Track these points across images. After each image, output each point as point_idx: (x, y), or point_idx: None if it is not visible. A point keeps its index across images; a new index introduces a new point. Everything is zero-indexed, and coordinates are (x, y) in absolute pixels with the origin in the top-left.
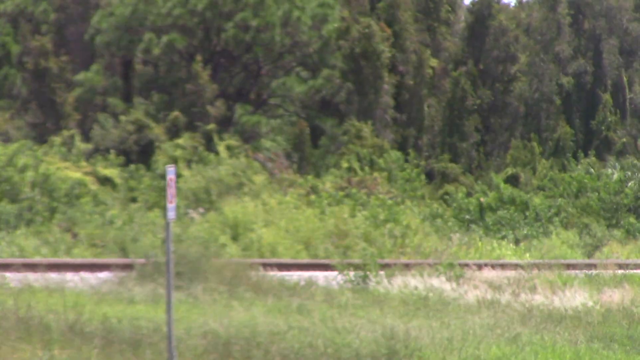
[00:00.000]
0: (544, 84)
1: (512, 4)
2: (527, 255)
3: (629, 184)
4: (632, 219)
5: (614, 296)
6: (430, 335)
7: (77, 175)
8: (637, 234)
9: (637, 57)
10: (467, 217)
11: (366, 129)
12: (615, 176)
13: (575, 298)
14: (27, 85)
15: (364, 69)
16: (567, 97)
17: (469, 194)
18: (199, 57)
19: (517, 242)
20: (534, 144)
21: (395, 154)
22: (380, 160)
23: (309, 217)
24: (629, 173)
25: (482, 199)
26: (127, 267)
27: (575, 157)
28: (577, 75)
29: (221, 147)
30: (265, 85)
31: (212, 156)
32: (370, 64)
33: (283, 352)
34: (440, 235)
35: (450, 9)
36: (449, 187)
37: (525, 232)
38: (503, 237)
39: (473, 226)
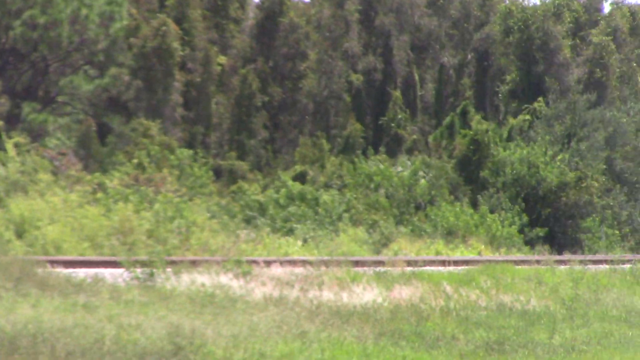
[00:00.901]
0: (333, 81)
1: (305, 0)
2: (316, 252)
3: (421, 180)
4: (419, 216)
5: (403, 293)
6: (216, 332)
7: None
8: (423, 233)
9: (429, 53)
10: (253, 213)
11: (154, 127)
12: (406, 173)
13: (365, 295)
14: None
15: (155, 67)
16: (356, 94)
17: (263, 191)
18: None
19: (305, 238)
20: (323, 141)
21: (185, 152)
22: (172, 157)
23: (94, 214)
24: (421, 172)
25: (259, 197)
26: None
27: (365, 154)
28: (366, 72)
29: (9, 145)
30: (53, 83)
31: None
32: (162, 61)
33: (69, 349)
34: (227, 232)
35: (239, 6)
36: (243, 184)
37: (314, 228)
38: (289, 233)
39: (259, 222)
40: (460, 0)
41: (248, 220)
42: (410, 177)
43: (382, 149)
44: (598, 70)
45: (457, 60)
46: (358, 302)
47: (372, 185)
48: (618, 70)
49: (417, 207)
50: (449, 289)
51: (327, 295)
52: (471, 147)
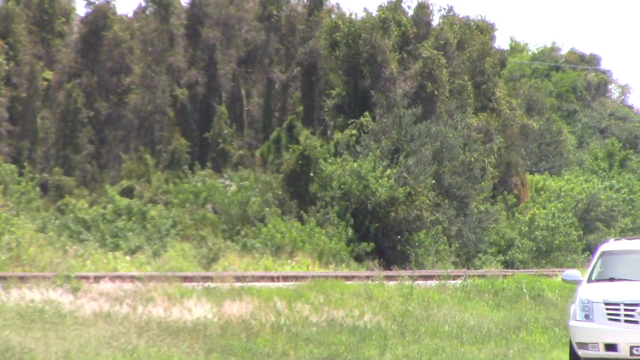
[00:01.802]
0: (157, 95)
1: (130, 15)
2: (147, 267)
3: (255, 197)
4: (247, 232)
5: (234, 309)
6: (46, 348)
7: None
8: (253, 248)
9: (256, 68)
10: (80, 229)
11: None
12: (233, 188)
13: (195, 311)
14: None
15: None
16: (182, 109)
17: (91, 206)
18: None
19: (133, 253)
20: (147, 156)
21: (8, 167)
22: None
23: None
24: (247, 184)
25: (87, 213)
26: None
27: (192, 169)
28: (190, 87)
29: None
30: None
31: None
32: None
33: None
34: (55, 248)
35: (65, 20)
36: (70, 200)
37: (141, 243)
38: (116, 249)
39: (87, 237)
40: (286, 14)
41: (76, 236)
42: (243, 193)
43: (208, 164)
44: (429, 84)
45: (286, 76)
46: (188, 318)
47: (198, 201)
48: (448, 84)
49: (249, 223)
50: (279, 304)
51: (157, 311)
52: (300, 161)
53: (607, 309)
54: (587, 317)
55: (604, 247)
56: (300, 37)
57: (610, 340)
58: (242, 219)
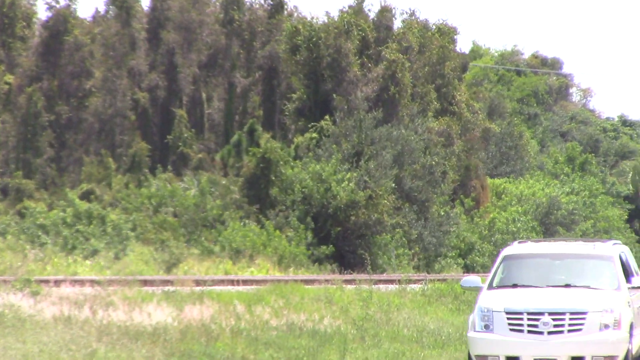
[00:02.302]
0: (118, 99)
1: (90, 18)
2: (107, 271)
3: (211, 200)
4: (206, 236)
5: (194, 313)
6: (4, 352)
7: None
8: (212, 252)
9: (217, 72)
10: (40, 232)
11: None
12: (192, 191)
13: (155, 315)
14: None
15: None
16: (142, 113)
17: (50, 209)
18: None
19: (93, 257)
20: (109, 159)
21: None
22: None
23: None
24: (206, 188)
25: (47, 216)
26: None
27: (153, 172)
28: (151, 90)
29: None
30: None
31: None
32: None
33: None
34: (15, 252)
35: (26, 24)
36: (29, 203)
37: (101, 247)
38: (78, 252)
39: (46, 241)
40: (247, 19)
41: (36, 240)
42: (199, 196)
43: (169, 167)
44: (392, 87)
45: (248, 80)
46: (148, 322)
47: (153, 206)
48: (410, 87)
49: (207, 227)
50: (239, 308)
51: (117, 315)
52: (260, 165)
53: (508, 318)
54: (486, 327)
55: (506, 251)
56: (261, 41)
57: (512, 352)
58: (202, 223)
